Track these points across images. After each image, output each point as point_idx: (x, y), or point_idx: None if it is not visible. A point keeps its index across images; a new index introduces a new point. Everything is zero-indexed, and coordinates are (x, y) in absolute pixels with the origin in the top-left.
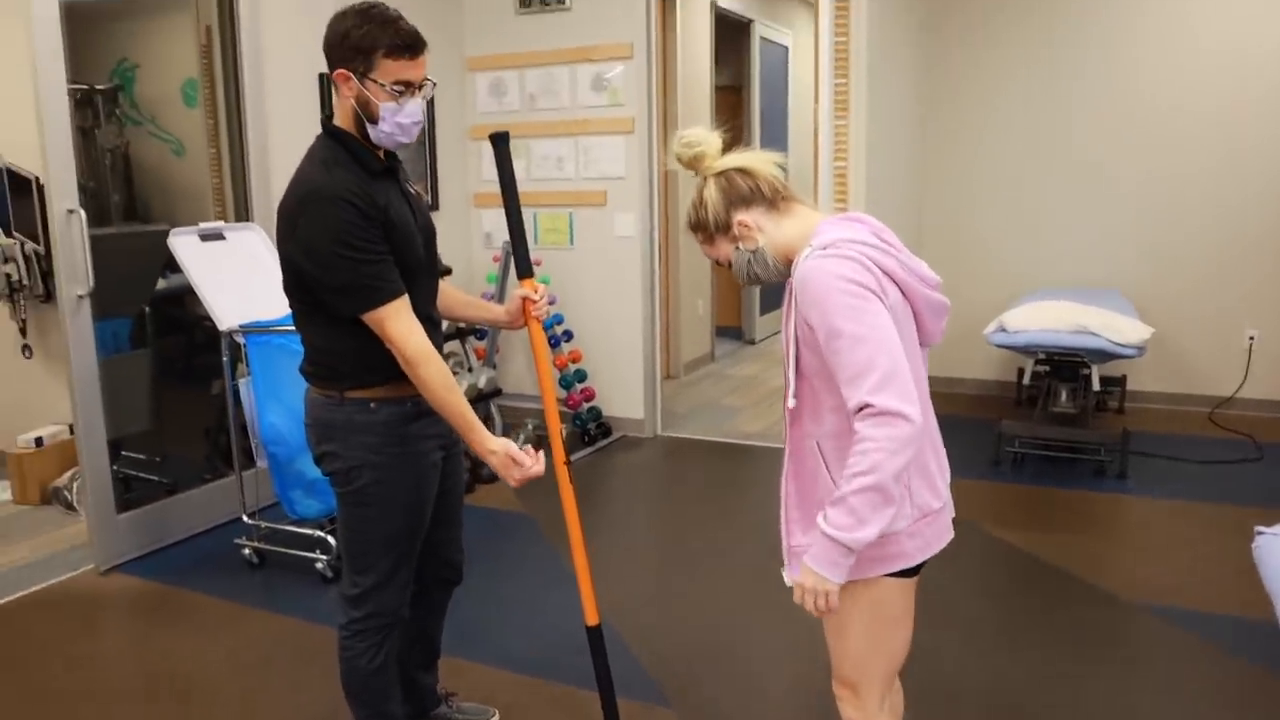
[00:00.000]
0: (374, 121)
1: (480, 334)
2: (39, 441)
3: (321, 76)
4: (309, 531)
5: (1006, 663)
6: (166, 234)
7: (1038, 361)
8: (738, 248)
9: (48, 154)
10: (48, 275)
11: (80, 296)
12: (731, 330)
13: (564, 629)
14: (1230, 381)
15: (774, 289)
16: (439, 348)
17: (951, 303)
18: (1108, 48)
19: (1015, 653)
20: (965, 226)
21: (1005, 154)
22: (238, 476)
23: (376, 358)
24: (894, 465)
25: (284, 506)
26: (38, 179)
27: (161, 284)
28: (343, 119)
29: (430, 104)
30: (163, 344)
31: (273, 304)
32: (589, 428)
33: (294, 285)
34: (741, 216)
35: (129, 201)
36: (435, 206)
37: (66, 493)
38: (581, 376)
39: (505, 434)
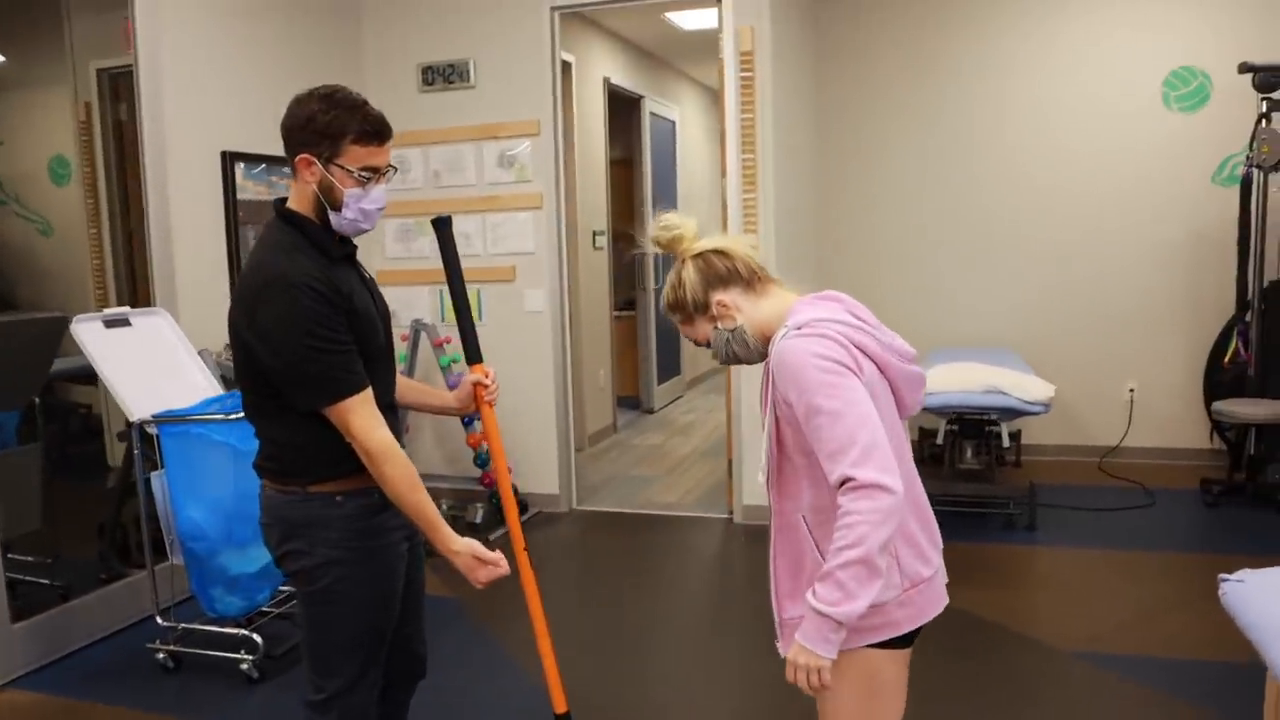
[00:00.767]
0: (337, 208)
1: None
2: None
3: (224, 154)
4: (232, 630)
5: (962, 714)
6: (49, 320)
7: (949, 421)
8: (716, 327)
9: None
10: None
11: None
12: (630, 400)
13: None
14: (1115, 431)
15: (670, 357)
16: (399, 435)
17: None
18: (994, 119)
19: (957, 704)
20: (867, 289)
21: (900, 219)
22: (150, 574)
23: (340, 449)
24: (879, 537)
25: (202, 604)
26: None
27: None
28: (300, 203)
29: None
30: (52, 436)
31: (186, 392)
32: None
33: (248, 375)
34: (720, 296)
35: None
36: None
37: None
38: None
39: None
